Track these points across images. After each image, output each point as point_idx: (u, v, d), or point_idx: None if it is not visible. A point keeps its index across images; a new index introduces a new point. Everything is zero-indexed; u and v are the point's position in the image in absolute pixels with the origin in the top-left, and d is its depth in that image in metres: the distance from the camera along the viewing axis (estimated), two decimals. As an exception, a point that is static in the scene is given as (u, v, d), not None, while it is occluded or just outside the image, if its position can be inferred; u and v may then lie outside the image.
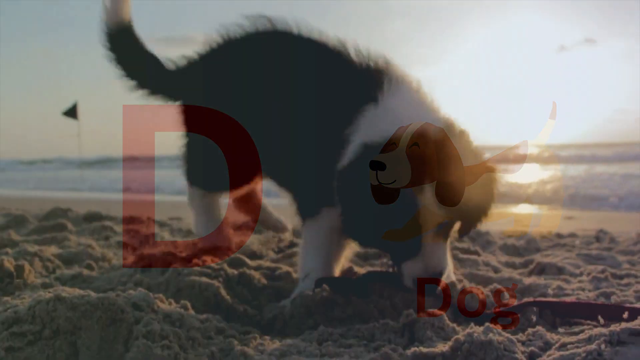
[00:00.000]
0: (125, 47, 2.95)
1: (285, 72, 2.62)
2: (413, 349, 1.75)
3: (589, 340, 1.74)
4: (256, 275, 2.63)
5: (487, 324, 1.82)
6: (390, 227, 2.07)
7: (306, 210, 2.56)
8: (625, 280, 2.91)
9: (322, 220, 2.46)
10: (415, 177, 1.94)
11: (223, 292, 2.40)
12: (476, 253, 3.61)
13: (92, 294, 1.86)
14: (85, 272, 2.75)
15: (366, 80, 2.39)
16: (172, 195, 10.56)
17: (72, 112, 20.48)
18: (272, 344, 1.90)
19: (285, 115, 2.58)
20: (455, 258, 3.26)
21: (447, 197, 2.00)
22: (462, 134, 2.24)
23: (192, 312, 2.06)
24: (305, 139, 2.50)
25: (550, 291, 2.69)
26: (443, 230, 2.14)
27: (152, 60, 3.00)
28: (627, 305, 2.33)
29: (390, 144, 1.98)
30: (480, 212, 2.28)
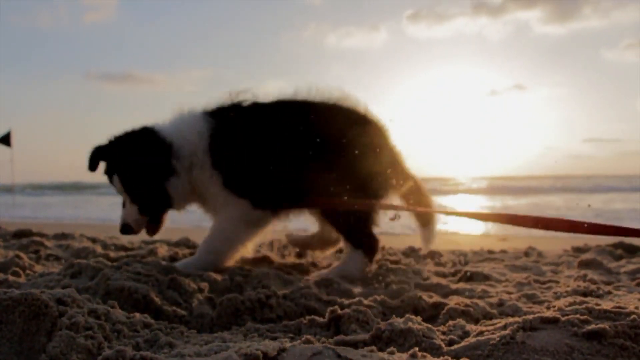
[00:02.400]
0: None
1: None
2: (336, 337, 1.80)
3: (504, 327, 1.82)
4: (186, 280, 2.62)
5: (407, 315, 1.88)
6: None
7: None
8: (547, 285, 3.03)
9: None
10: None
11: (152, 294, 2.38)
12: (406, 264, 3.68)
13: (16, 290, 1.84)
14: (12, 278, 2.68)
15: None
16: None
17: (5, 140, 20.01)
18: (199, 336, 1.90)
19: None
20: (383, 267, 3.33)
21: None
22: None
23: (119, 309, 2.05)
24: None
25: (475, 294, 2.78)
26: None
27: None
28: None
29: None
30: None
